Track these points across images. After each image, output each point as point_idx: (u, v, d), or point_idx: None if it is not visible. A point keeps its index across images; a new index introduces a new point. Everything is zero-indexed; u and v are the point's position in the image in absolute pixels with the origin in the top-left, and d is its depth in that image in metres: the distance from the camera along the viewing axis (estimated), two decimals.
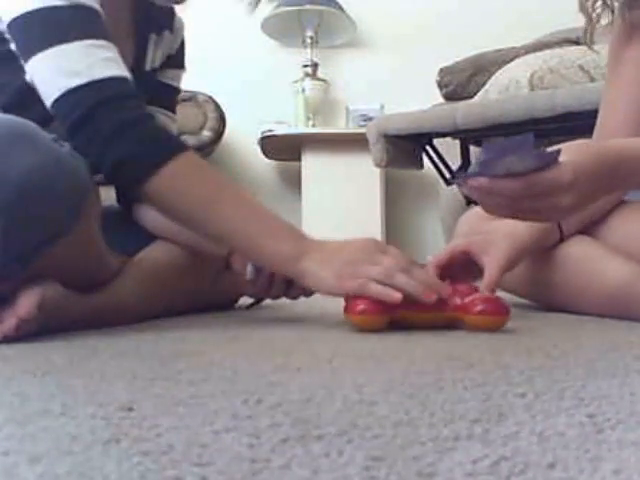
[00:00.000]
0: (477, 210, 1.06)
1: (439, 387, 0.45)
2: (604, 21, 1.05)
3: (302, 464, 0.29)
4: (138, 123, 0.80)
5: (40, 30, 0.80)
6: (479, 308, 0.76)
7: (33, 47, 0.80)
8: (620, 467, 0.28)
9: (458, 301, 0.78)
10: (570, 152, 0.74)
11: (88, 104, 0.78)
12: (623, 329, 0.77)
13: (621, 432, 0.33)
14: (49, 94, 0.80)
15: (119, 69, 0.81)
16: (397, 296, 0.73)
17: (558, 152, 0.72)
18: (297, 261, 0.79)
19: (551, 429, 0.34)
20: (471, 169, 0.74)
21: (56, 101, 0.79)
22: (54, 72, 0.79)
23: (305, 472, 0.28)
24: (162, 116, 1.09)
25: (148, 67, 1.04)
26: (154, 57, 1.05)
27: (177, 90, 1.13)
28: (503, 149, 0.71)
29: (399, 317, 0.77)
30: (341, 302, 0.80)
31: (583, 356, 0.58)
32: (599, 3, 1.02)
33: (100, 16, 0.83)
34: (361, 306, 0.75)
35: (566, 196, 0.72)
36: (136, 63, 1.01)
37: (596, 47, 1.16)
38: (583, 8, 1.03)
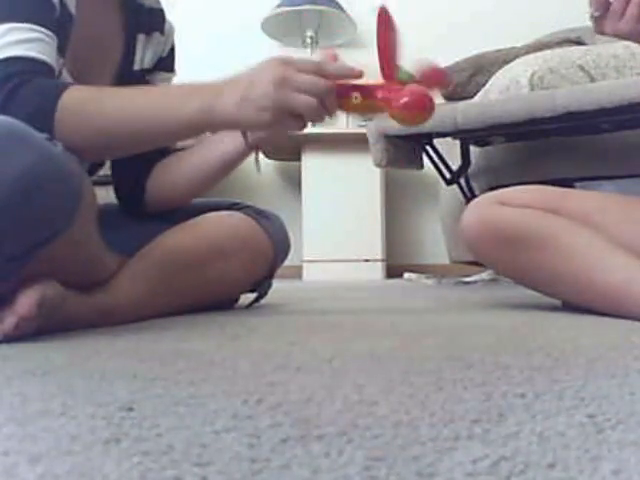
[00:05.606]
0: (487, 195, 1.05)
1: (439, 387, 0.45)
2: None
3: (302, 464, 0.29)
4: (18, 89, 0.77)
5: None
6: (402, 102, 0.79)
7: None
8: (620, 467, 0.28)
9: (383, 93, 0.81)
10: None
11: None
12: (623, 329, 0.77)
13: (621, 432, 0.33)
14: None
15: (27, 50, 0.79)
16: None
17: None
18: (212, 111, 0.78)
19: (551, 429, 0.34)
20: None
21: None
22: None
23: (305, 472, 0.28)
24: None
25: (137, 67, 1.04)
26: (143, 57, 1.05)
27: None
28: None
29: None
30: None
31: (583, 356, 0.58)
32: None
33: (47, 0, 0.82)
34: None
35: None
36: (125, 62, 1.02)
37: (596, 47, 1.13)
38: None
